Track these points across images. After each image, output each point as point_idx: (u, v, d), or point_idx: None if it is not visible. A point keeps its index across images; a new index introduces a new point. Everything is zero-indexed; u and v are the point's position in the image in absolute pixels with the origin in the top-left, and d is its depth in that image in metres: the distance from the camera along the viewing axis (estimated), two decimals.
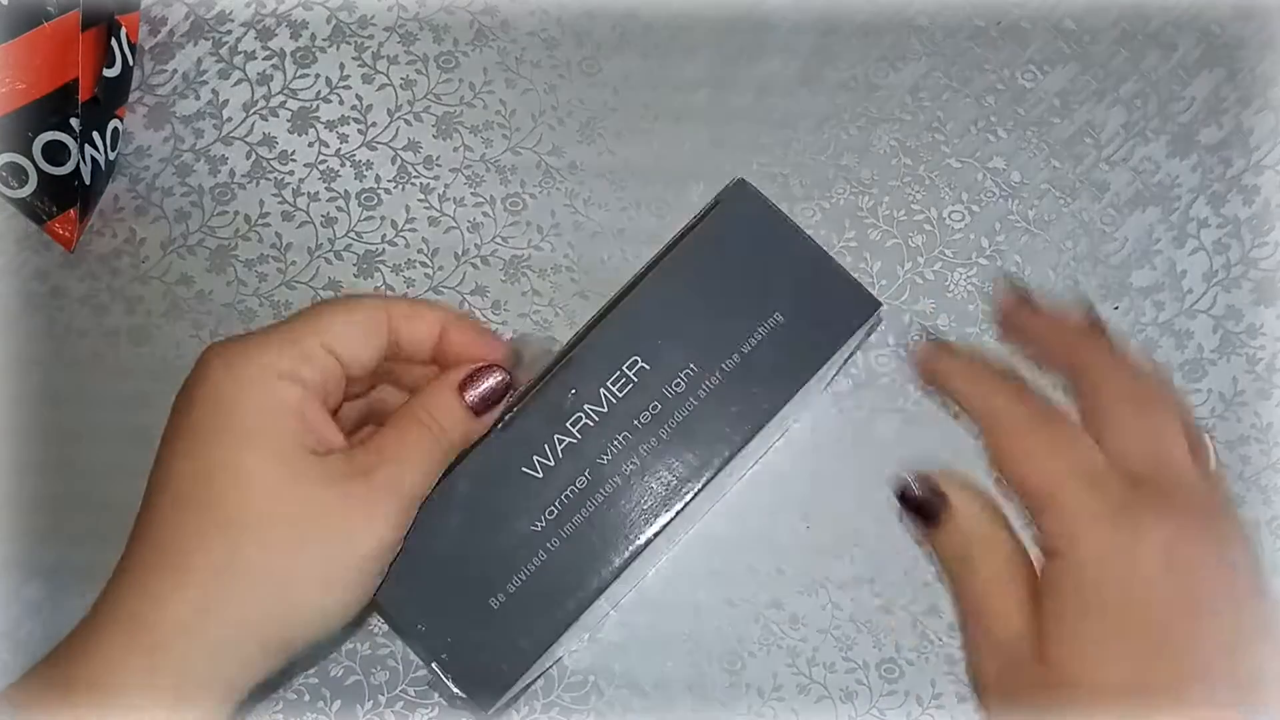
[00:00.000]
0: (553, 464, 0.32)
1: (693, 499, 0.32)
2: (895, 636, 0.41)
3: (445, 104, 0.46)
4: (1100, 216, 0.45)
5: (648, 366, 0.33)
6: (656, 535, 0.32)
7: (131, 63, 0.45)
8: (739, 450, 0.33)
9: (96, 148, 0.43)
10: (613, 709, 0.40)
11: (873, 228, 0.45)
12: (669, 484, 0.32)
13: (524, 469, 0.32)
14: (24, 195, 0.42)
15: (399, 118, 0.46)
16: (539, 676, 0.39)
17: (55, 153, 0.42)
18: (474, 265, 0.44)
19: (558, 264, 0.44)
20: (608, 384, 0.33)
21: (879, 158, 0.46)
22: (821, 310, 0.33)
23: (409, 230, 0.44)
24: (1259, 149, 0.46)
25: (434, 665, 0.31)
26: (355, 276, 0.44)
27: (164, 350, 0.43)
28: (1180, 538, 0.27)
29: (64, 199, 0.42)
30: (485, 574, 0.32)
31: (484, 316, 0.44)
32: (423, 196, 0.45)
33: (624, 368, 0.33)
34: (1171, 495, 0.28)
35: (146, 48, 0.46)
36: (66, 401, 0.42)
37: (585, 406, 0.33)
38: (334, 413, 0.32)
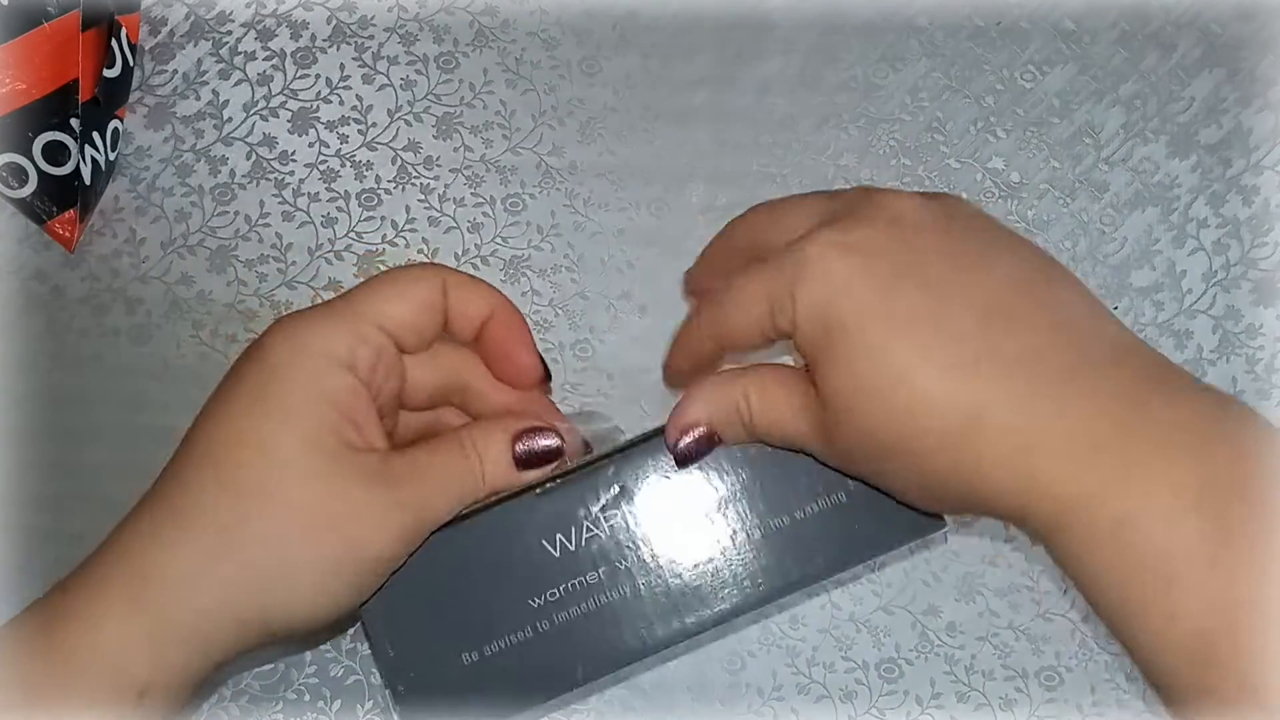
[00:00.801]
0: (573, 548, 0.31)
1: (695, 635, 0.31)
2: (895, 636, 0.41)
3: (445, 104, 0.46)
4: (1100, 216, 0.45)
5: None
6: (643, 658, 0.31)
7: (132, 63, 0.45)
8: (746, 611, 0.32)
9: (96, 148, 0.43)
10: (613, 709, 0.40)
11: None
12: (672, 622, 0.31)
13: (544, 541, 0.31)
14: (24, 195, 0.42)
15: (399, 118, 0.46)
16: None
17: (55, 153, 0.42)
18: (474, 265, 0.44)
19: (558, 264, 0.44)
20: (649, 483, 0.32)
21: (879, 158, 0.46)
22: (887, 508, 0.31)
23: (409, 230, 0.44)
24: (1259, 149, 0.46)
25: (388, 690, 0.31)
26: (355, 277, 0.44)
27: (164, 350, 0.43)
28: (871, 234, 0.27)
29: (64, 199, 0.42)
30: (469, 626, 0.31)
31: None
32: (423, 197, 0.45)
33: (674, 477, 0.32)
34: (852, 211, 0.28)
35: (146, 48, 0.46)
36: (66, 401, 0.42)
37: (624, 506, 0.32)
38: (396, 405, 0.32)
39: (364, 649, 0.40)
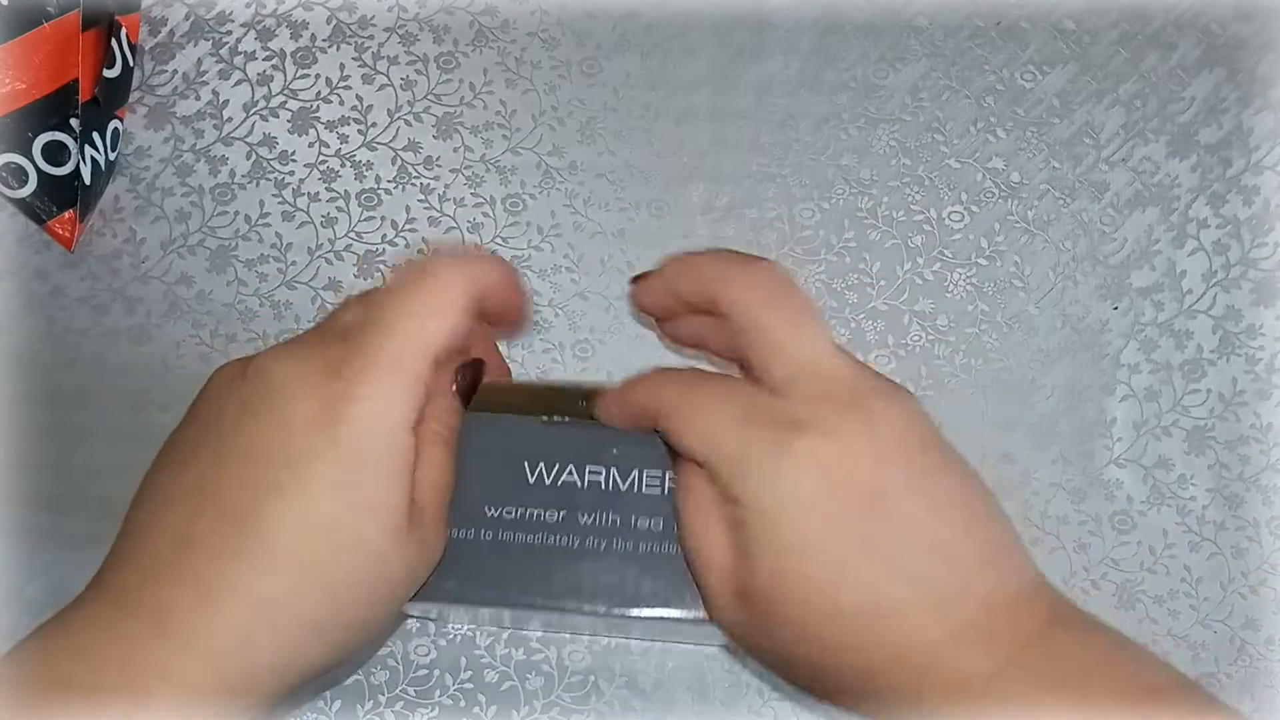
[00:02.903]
0: (546, 483, 0.32)
1: (614, 620, 0.32)
2: None
3: (445, 104, 0.46)
4: (1100, 217, 0.45)
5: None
6: (552, 612, 0.32)
7: (131, 63, 0.45)
8: (663, 625, 0.32)
9: (96, 148, 0.43)
10: (613, 709, 0.40)
11: (872, 228, 0.45)
12: (599, 596, 0.31)
13: (526, 463, 0.32)
14: (24, 195, 0.42)
15: (399, 118, 0.46)
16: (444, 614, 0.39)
17: (55, 153, 0.42)
18: None
19: (558, 264, 0.44)
20: (645, 471, 0.32)
21: (879, 158, 0.46)
22: None
23: (409, 231, 0.44)
24: (1259, 149, 0.46)
25: None
26: (355, 277, 0.44)
27: (164, 350, 0.43)
28: (828, 446, 0.27)
29: (64, 199, 0.42)
30: (459, 504, 0.31)
31: None
32: (423, 197, 0.45)
33: (667, 475, 0.32)
34: (805, 403, 0.28)
35: (146, 48, 0.46)
36: (66, 401, 0.42)
37: (612, 470, 0.32)
38: None
39: None
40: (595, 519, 0.32)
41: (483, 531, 0.32)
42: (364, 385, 0.27)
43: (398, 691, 0.39)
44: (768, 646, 0.29)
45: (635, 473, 0.32)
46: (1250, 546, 0.42)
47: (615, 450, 0.32)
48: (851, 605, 0.27)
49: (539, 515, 0.32)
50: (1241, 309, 0.44)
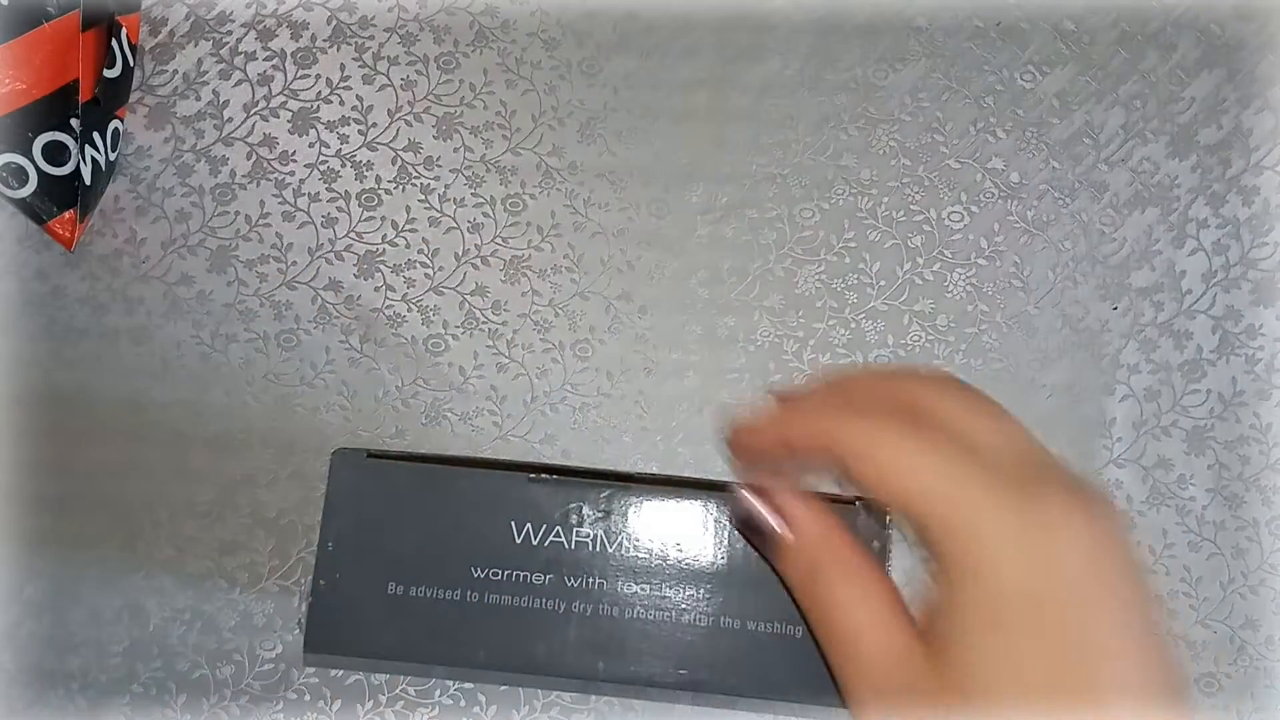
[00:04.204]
0: (534, 543, 0.31)
1: (599, 684, 0.31)
2: None
3: (445, 105, 0.46)
4: (1099, 217, 0.45)
5: (669, 553, 0.32)
6: (543, 675, 0.31)
7: (132, 63, 0.45)
8: (655, 687, 0.31)
9: (97, 148, 0.43)
10: (613, 709, 0.40)
11: (872, 228, 0.45)
12: (584, 657, 0.31)
13: (513, 523, 0.31)
14: (24, 195, 0.42)
15: (399, 118, 0.46)
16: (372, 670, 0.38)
17: (55, 153, 0.42)
18: (474, 266, 0.44)
19: (558, 264, 0.44)
20: (634, 534, 0.31)
21: (878, 158, 0.46)
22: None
23: (409, 231, 0.44)
24: (1258, 149, 0.46)
25: (312, 580, 0.31)
26: (355, 277, 0.44)
27: (164, 350, 0.43)
28: (1093, 528, 0.24)
29: (64, 199, 0.42)
30: (408, 562, 0.31)
31: (484, 317, 0.44)
32: (423, 197, 0.45)
33: (663, 546, 0.31)
34: (1060, 481, 0.25)
35: (147, 48, 0.46)
36: (66, 401, 0.42)
37: (600, 530, 0.31)
38: None
39: None
40: (581, 582, 0.31)
41: (469, 593, 0.31)
42: None
43: (398, 691, 0.40)
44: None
45: (623, 536, 0.31)
46: (1250, 546, 0.42)
47: (603, 510, 0.31)
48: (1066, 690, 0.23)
49: (525, 578, 0.31)
50: (1241, 309, 0.44)
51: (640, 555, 0.31)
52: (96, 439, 0.42)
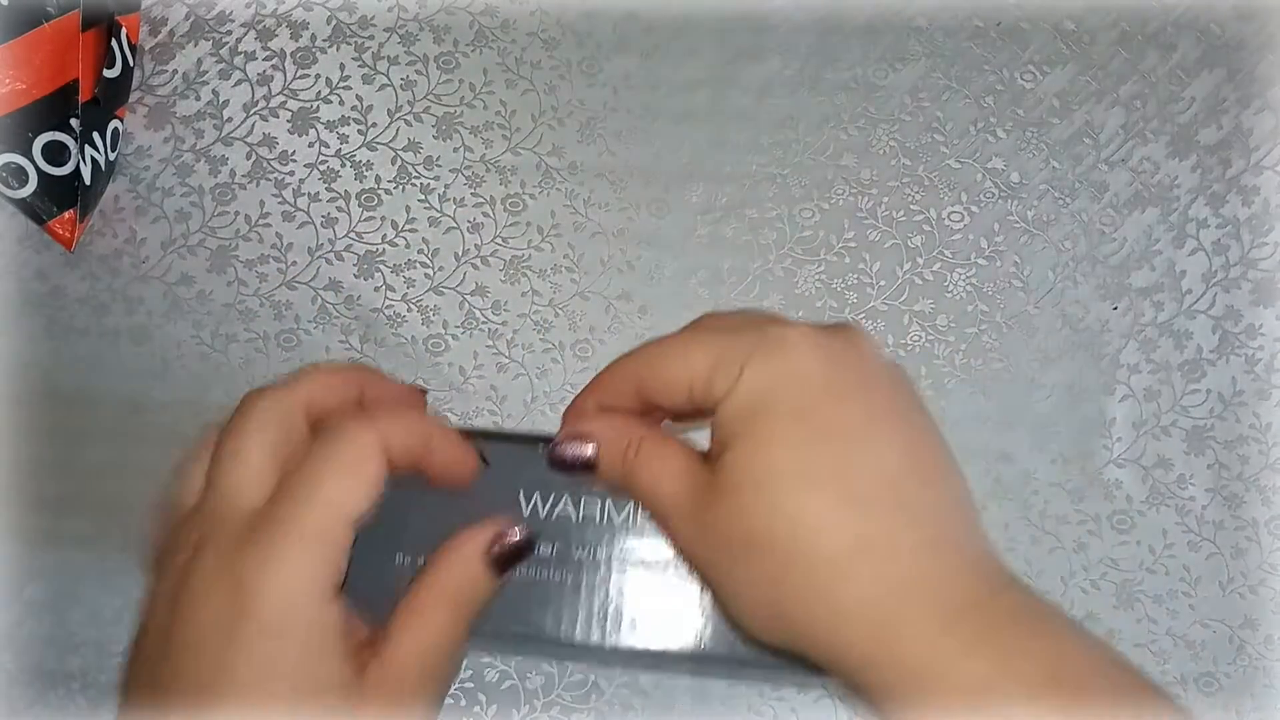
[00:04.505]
0: (542, 515, 0.31)
1: (606, 656, 0.31)
2: None
3: (445, 104, 0.46)
4: (1100, 217, 0.45)
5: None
6: (549, 646, 0.31)
7: (131, 63, 0.45)
8: (668, 660, 0.31)
9: (96, 148, 0.43)
10: (613, 709, 0.40)
11: (872, 228, 0.45)
12: (592, 630, 0.31)
13: (522, 493, 0.31)
14: (24, 195, 0.42)
15: (399, 118, 0.46)
16: None
17: (55, 153, 0.42)
18: (474, 265, 0.44)
19: (558, 264, 0.44)
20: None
21: (879, 158, 0.46)
22: None
23: (409, 230, 0.44)
24: (1258, 149, 0.46)
25: None
26: (355, 277, 0.44)
27: (164, 350, 0.43)
28: (829, 345, 0.27)
29: (64, 199, 0.42)
30: (418, 532, 0.31)
31: (484, 316, 0.44)
32: (423, 197, 0.45)
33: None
34: (795, 322, 0.28)
35: (146, 48, 0.46)
36: (66, 401, 0.42)
37: (608, 504, 0.32)
38: None
39: None
40: (589, 553, 0.32)
41: None
42: (266, 564, 0.26)
43: None
44: (728, 580, 0.28)
45: (630, 506, 0.32)
46: (1249, 546, 0.42)
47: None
48: (812, 518, 0.26)
49: (537, 548, 0.31)
50: (1241, 309, 0.44)
51: (647, 526, 0.32)
52: (96, 439, 0.42)
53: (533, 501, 0.32)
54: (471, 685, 0.39)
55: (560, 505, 0.32)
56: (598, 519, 0.32)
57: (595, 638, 0.31)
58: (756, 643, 0.29)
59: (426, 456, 0.30)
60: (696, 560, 0.29)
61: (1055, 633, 0.25)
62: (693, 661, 0.31)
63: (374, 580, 0.30)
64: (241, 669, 0.26)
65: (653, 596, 0.31)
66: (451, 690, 0.39)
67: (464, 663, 0.40)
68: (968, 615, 0.25)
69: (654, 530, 0.31)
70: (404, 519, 0.31)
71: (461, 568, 0.29)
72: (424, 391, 0.33)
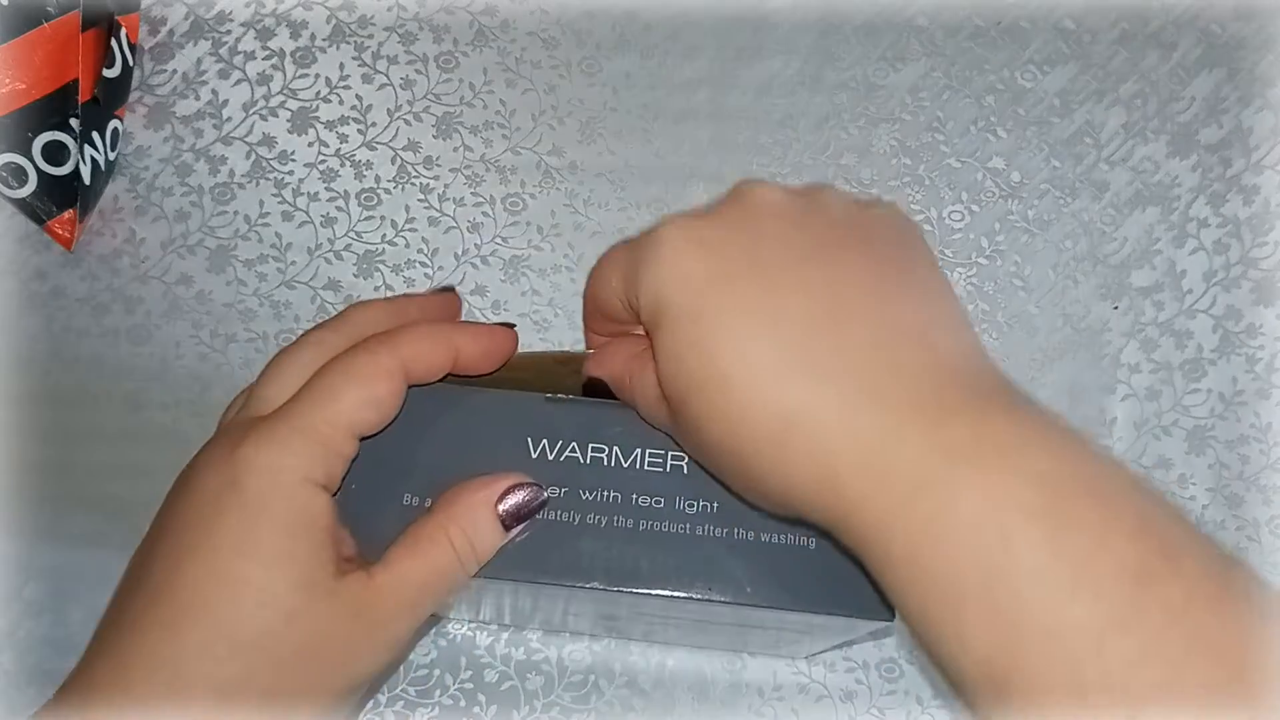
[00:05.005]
0: (550, 458, 0.32)
1: (614, 594, 0.31)
2: (895, 636, 0.41)
3: (445, 104, 0.46)
4: (1100, 216, 0.45)
5: (683, 467, 0.32)
6: (554, 582, 0.31)
7: (131, 63, 0.45)
8: (673, 597, 0.31)
9: (96, 148, 0.43)
10: (613, 709, 0.40)
11: None
12: (599, 569, 0.31)
13: (529, 438, 0.32)
14: (24, 195, 0.42)
15: (399, 118, 0.46)
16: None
17: (55, 153, 0.42)
18: (474, 265, 0.44)
19: (558, 264, 0.44)
20: (647, 450, 0.32)
21: (879, 158, 0.46)
22: (846, 574, 0.30)
23: (409, 230, 0.44)
24: (1259, 149, 0.46)
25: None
26: (355, 276, 0.44)
27: (164, 350, 0.43)
28: (713, 223, 0.27)
29: (64, 199, 0.42)
30: (426, 474, 0.31)
31: (484, 316, 0.44)
32: (423, 196, 0.45)
33: (669, 454, 0.32)
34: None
35: (146, 48, 0.46)
36: (66, 401, 0.42)
37: (617, 449, 0.32)
38: None
39: None
40: (597, 495, 0.32)
41: None
42: (261, 443, 0.27)
43: (398, 691, 0.39)
44: (719, 472, 0.28)
45: (638, 451, 0.32)
46: (1250, 546, 0.42)
47: (619, 428, 0.32)
48: (738, 409, 0.25)
49: (544, 511, 0.32)
50: (1241, 308, 0.44)
51: (655, 470, 0.32)
52: (96, 439, 0.42)
53: (540, 446, 0.32)
54: (471, 686, 0.39)
55: (568, 450, 0.32)
56: (606, 462, 0.32)
57: (600, 581, 0.31)
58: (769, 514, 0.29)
59: (454, 360, 0.31)
60: (702, 462, 0.30)
61: (993, 461, 0.23)
62: (702, 601, 0.31)
63: (378, 518, 0.31)
64: (218, 536, 0.27)
65: (659, 541, 0.31)
66: (450, 691, 0.39)
67: (463, 662, 0.40)
68: (902, 470, 0.24)
69: (661, 476, 0.32)
70: (412, 459, 0.31)
71: (470, 514, 0.30)
72: (451, 290, 0.34)
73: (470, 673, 0.40)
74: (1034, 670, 0.21)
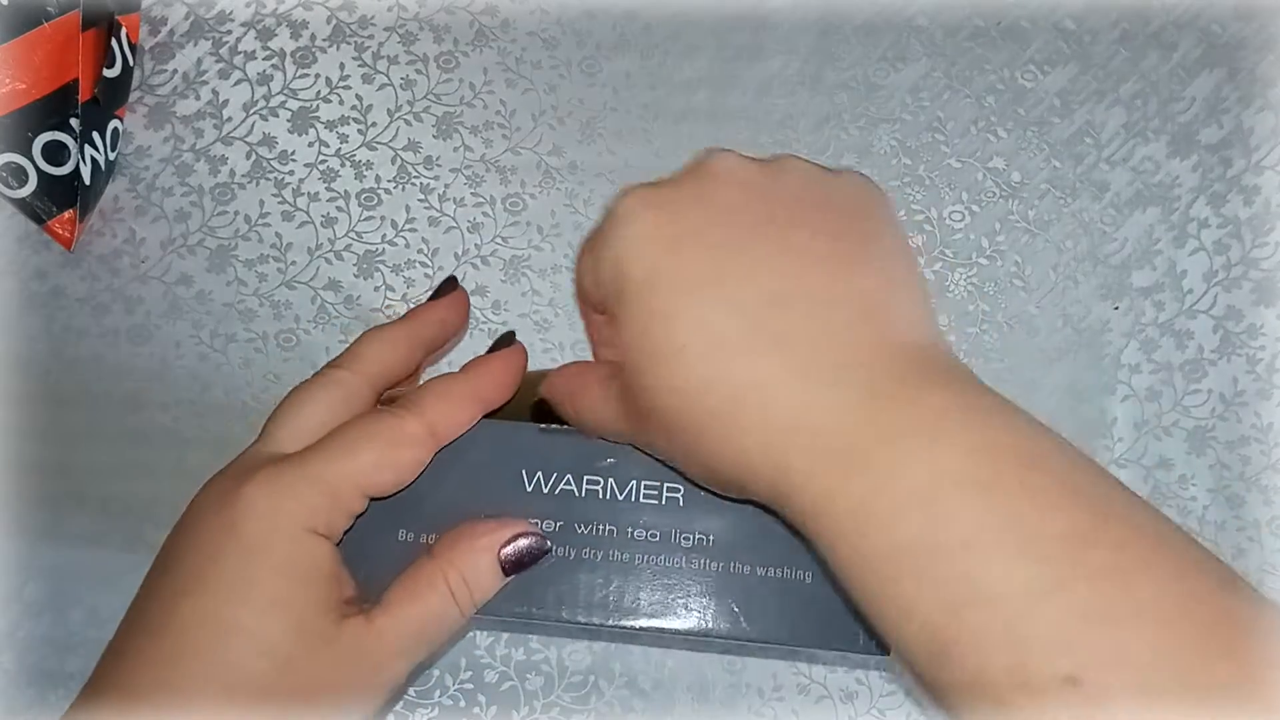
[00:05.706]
0: (544, 491, 0.31)
1: (606, 633, 0.31)
2: None
3: (445, 104, 0.46)
4: (1100, 216, 0.45)
5: (679, 499, 0.32)
6: (547, 621, 0.31)
7: (131, 63, 0.45)
8: (666, 634, 0.31)
9: (96, 148, 0.43)
10: (613, 709, 0.40)
11: None
12: (594, 606, 0.31)
13: (524, 472, 0.32)
14: (24, 195, 0.42)
15: (399, 118, 0.46)
16: None
17: (55, 153, 0.42)
18: (474, 265, 0.44)
19: (558, 264, 0.44)
20: (643, 482, 0.32)
21: (879, 158, 0.46)
22: (839, 609, 0.30)
23: (409, 230, 0.44)
24: (1259, 149, 0.46)
25: None
26: (355, 276, 0.44)
27: (164, 350, 0.43)
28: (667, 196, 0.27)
29: (64, 199, 0.42)
30: (419, 510, 0.31)
31: (484, 316, 0.44)
32: (423, 196, 0.45)
33: (665, 486, 0.32)
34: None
35: (146, 48, 0.46)
36: (66, 401, 0.42)
37: (610, 481, 0.32)
38: None
39: None
40: (592, 529, 0.31)
41: None
42: (265, 486, 0.27)
43: None
44: (678, 456, 0.28)
45: (633, 483, 0.32)
46: (1250, 547, 0.42)
47: (613, 460, 0.32)
48: (688, 383, 0.25)
49: (536, 524, 0.31)
50: (1242, 309, 0.44)
51: (650, 502, 0.31)
52: (96, 439, 0.42)
53: (535, 479, 0.32)
54: (471, 686, 0.39)
55: (563, 483, 0.32)
56: (601, 495, 0.32)
57: (597, 616, 0.31)
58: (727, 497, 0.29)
59: (482, 413, 0.31)
60: (661, 455, 0.29)
61: (930, 432, 0.23)
62: (698, 636, 0.31)
63: (373, 554, 0.30)
64: (213, 580, 0.26)
65: (654, 574, 0.31)
66: (450, 691, 0.39)
67: (463, 662, 0.40)
68: (847, 446, 0.24)
69: (656, 508, 0.31)
70: (407, 494, 0.31)
71: (470, 559, 0.29)
72: (455, 284, 0.34)
73: (470, 673, 0.40)
74: (975, 634, 0.21)
